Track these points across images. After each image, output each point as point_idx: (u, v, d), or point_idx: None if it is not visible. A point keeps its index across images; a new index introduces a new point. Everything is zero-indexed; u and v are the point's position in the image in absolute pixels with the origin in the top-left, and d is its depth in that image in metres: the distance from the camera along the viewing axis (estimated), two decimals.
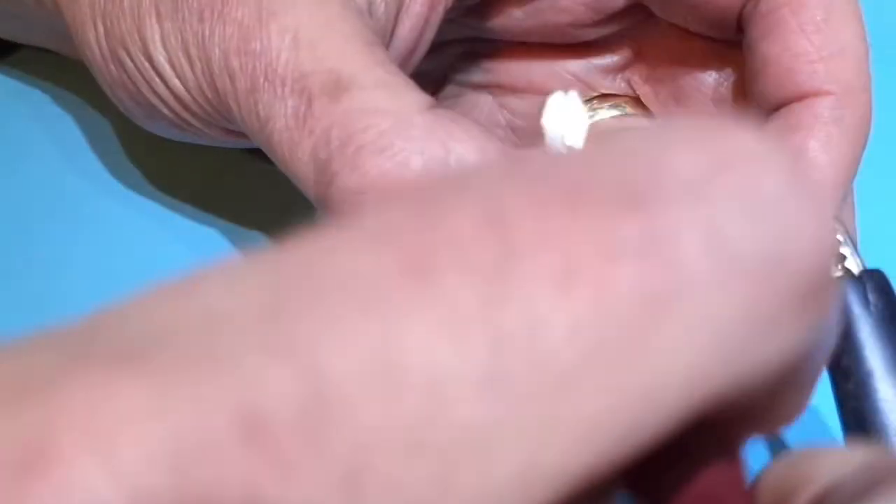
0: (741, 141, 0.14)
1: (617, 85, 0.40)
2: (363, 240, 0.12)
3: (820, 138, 0.33)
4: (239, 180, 0.43)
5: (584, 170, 0.13)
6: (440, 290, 0.12)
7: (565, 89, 0.40)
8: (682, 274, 0.12)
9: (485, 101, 0.41)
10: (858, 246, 0.31)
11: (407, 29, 0.33)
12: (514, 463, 0.11)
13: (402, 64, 0.34)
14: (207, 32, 0.31)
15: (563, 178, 0.13)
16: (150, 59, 0.33)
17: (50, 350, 0.12)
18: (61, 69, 0.45)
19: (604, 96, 0.40)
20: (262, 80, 0.30)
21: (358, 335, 0.11)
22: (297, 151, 0.30)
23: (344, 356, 0.11)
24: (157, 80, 0.33)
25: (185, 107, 0.33)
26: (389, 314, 0.11)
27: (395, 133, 0.29)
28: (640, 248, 0.12)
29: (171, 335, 0.12)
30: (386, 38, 0.33)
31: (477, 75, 0.41)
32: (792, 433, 0.37)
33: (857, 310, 0.28)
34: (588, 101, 0.40)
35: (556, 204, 0.12)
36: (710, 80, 0.38)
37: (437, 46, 0.36)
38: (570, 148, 0.26)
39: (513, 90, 0.41)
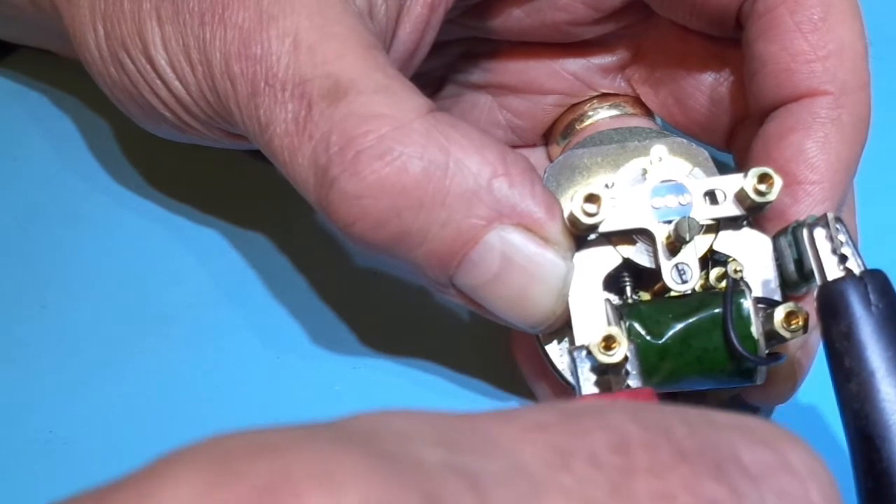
0: (800, 451, 0.19)
1: (616, 84, 0.40)
2: (521, 430, 0.17)
3: (817, 139, 0.33)
4: (239, 180, 0.43)
5: (688, 436, 0.18)
6: (575, 481, 0.16)
7: (565, 93, 0.41)
8: None
9: (484, 100, 0.41)
10: (859, 246, 0.31)
11: (407, 31, 0.33)
12: None
13: (403, 66, 0.34)
14: (208, 36, 0.31)
15: (673, 435, 0.18)
16: (151, 62, 0.33)
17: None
18: (59, 70, 0.45)
19: (603, 96, 0.40)
20: (262, 84, 0.30)
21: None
22: (297, 156, 0.30)
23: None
24: (158, 82, 0.33)
25: (187, 109, 0.33)
26: (534, 494, 0.16)
27: (394, 138, 0.29)
28: (716, 502, 0.17)
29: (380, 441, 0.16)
30: (387, 40, 0.33)
31: (476, 75, 0.41)
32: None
33: (859, 310, 0.28)
34: (588, 100, 0.40)
35: (665, 453, 0.17)
36: (709, 79, 0.38)
37: (436, 47, 0.36)
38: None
39: (512, 90, 0.41)
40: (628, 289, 0.32)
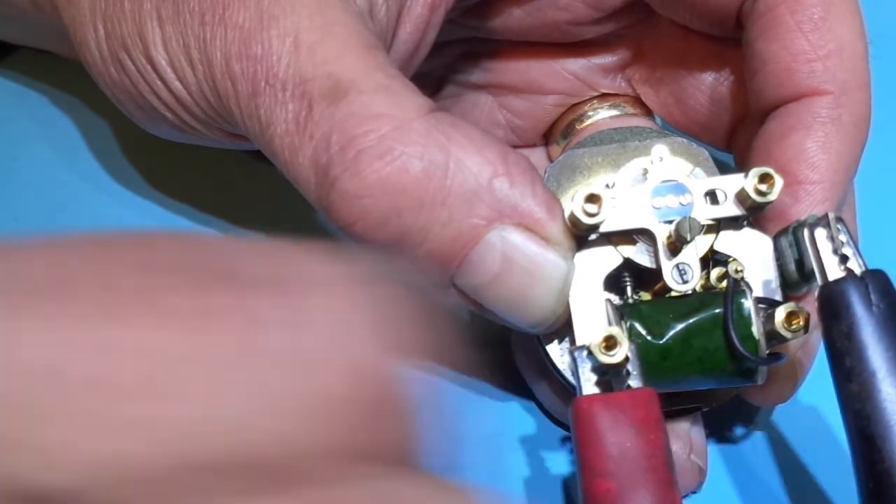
0: (308, 263, 0.18)
1: (617, 84, 0.40)
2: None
3: (818, 138, 0.33)
4: (239, 180, 0.43)
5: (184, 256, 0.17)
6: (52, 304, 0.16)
7: (566, 93, 0.40)
8: (221, 347, 0.16)
9: (485, 100, 0.41)
10: (860, 246, 0.31)
11: (408, 31, 0.33)
12: None
13: (404, 66, 0.34)
14: (209, 36, 0.31)
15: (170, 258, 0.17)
16: (151, 62, 0.33)
17: None
18: (59, 70, 0.45)
19: (604, 96, 0.40)
20: (263, 84, 0.30)
21: None
22: (297, 156, 0.30)
23: None
24: (158, 82, 0.33)
25: (187, 109, 0.33)
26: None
27: (394, 137, 0.29)
28: (195, 314, 0.16)
29: None
30: (387, 40, 0.33)
31: (477, 75, 0.41)
32: (795, 435, 0.37)
33: (860, 310, 0.28)
34: (588, 100, 0.40)
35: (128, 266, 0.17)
36: (710, 79, 0.38)
37: (437, 47, 0.36)
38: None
39: (512, 90, 0.41)
40: (629, 289, 0.32)
